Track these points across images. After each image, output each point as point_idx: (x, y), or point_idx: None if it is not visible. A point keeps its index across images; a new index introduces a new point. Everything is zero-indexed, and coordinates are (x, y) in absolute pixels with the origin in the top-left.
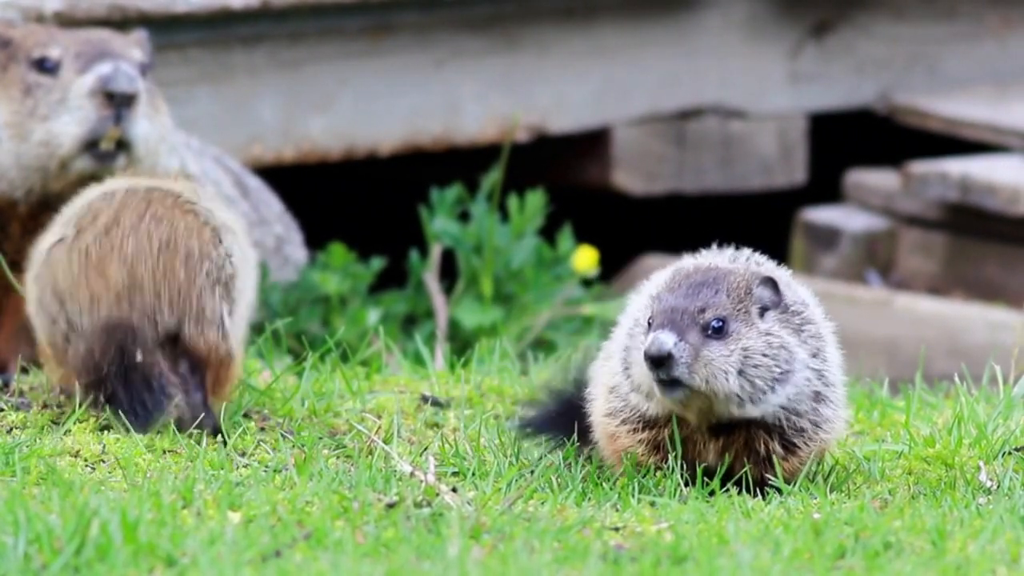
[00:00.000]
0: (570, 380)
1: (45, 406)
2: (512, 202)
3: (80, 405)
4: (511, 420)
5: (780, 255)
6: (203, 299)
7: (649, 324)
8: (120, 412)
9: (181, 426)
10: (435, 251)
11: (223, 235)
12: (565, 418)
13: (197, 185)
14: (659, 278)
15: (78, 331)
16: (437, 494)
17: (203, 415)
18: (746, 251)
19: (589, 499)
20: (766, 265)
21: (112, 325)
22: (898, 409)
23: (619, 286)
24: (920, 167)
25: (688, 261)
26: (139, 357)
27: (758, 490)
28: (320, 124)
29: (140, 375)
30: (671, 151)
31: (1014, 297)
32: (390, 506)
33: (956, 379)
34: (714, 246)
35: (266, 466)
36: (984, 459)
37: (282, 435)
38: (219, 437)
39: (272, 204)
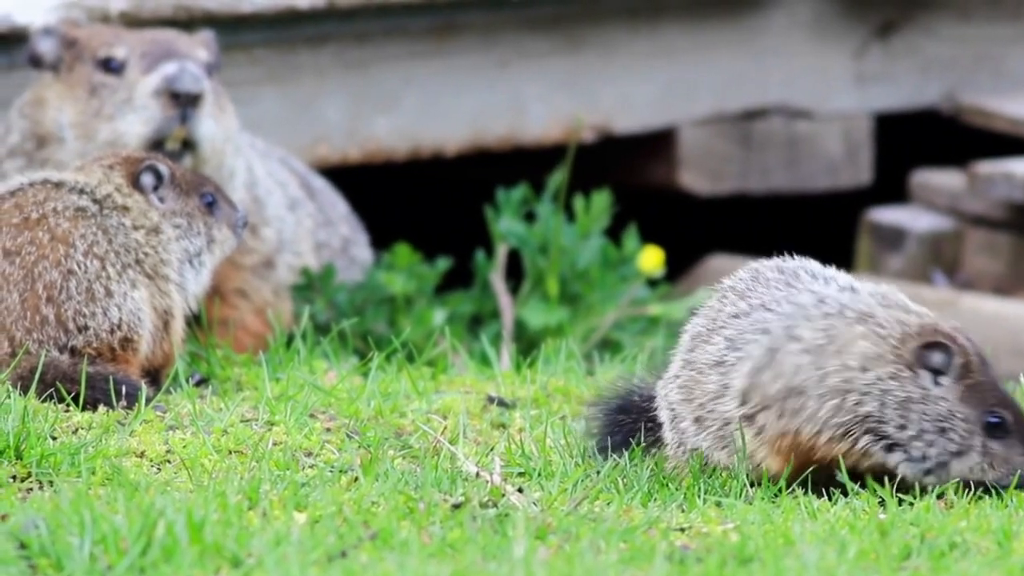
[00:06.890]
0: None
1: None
2: (578, 202)
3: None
4: (579, 420)
5: (846, 256)
6: None
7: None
8: None
9: None
10: (501, 251)
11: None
12: (629, 419)
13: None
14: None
15: None
16: (503, 495)
17: None
18: (798, 259)
19: (655, 500)
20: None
21: None
22: None
23: (685, 286)
24: (985, 167)
25: (761, 264)
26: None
27: (823, 490)
28: (385, 124)
29: None
30: (736, 151)
31: None
32: (456, 506)
33: (1020, 378)
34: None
35: (332, 466)
36: None
37: (348, 435)
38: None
39: (338, 205)
